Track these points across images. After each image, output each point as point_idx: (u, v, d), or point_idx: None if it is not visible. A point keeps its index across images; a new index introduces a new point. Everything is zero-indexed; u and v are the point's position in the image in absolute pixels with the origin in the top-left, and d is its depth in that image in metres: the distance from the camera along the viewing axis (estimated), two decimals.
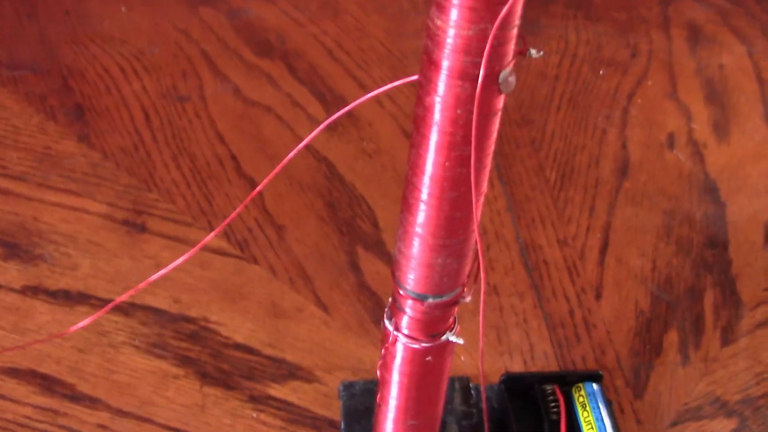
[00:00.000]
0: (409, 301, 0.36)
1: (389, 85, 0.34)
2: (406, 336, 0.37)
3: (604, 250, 0.63)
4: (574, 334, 0.57)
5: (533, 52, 0.31)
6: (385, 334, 0.38)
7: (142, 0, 0.85)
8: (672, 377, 0.55)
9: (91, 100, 0.72)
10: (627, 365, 0.56)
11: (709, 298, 0.60)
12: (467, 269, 0.35)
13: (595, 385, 0.50)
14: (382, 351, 0.39)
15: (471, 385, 0.52)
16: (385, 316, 0.38)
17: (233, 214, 0.38)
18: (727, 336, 0.58)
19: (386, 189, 0.66)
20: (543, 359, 0.56)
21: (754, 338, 0.58)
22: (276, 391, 0.52)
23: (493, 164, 0.73)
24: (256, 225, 0.63)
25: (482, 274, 0.34)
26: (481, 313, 0.35)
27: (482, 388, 0.42)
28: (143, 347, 0.54)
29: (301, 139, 0.71)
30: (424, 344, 0.37)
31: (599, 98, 0.79)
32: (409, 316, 0.36)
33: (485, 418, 0.45)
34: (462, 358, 0.55)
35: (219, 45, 0.80)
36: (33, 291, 0.57)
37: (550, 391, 0.50)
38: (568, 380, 0.50)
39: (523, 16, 0.29)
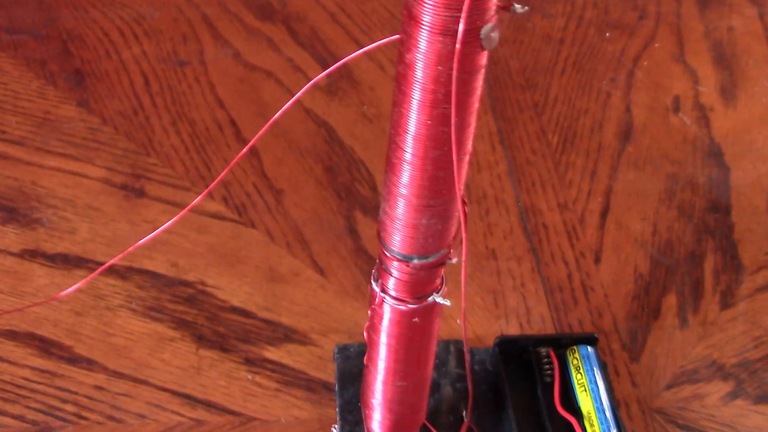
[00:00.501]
0: (395, 263, 0.36)
1: (371, 45, 0.33)
2: (393, 297, 0.37)
3: (604, 214, 0.63)
4: (571, 298, 0.57)
5: (517, 7, 0.30)
6: (372, 295, 0.38)
7: None
8: (669, 340, 0.55)
9: (91, 65, 0.72)
10: (624, 328, 0.55)
11: (709, 263, 0.60)
12: (453, 230, 0.35)
13: (589, 348, 0.50)
14: (369, 312, 0.39)
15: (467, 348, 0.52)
16: (372, 278, 0.38)
17: (224, 172, 0.38)
18: (727, 300, 0.58)
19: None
20: (540, 323, 0.55)
21: (754, 302, 0.58)
22: (271, 353, 0.52)
23: (495, 128, 0.73)
24: (254, 189, 0.63)
25: (464, 234, 0.34)
26: (462, 275, 0.35)
27: (465, 351, 0.42)
28: (140, 310, 0.54)
29: (302, 104, 0.71)
30: (410, 305, 0.37)
31: (605, 61, 0.78)
32: (395, 278, 0.36)
33: (468, 380, 0.45)
34: (458, 322, 0.55)
35: (220, 8, 0.80)
36: (31, 254, 0.57)
37: (544, 354, 0.50)
38: (562, 343, 0.50)
39: None
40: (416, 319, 0.37)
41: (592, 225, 0.62)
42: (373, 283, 0.38)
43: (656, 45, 0.80)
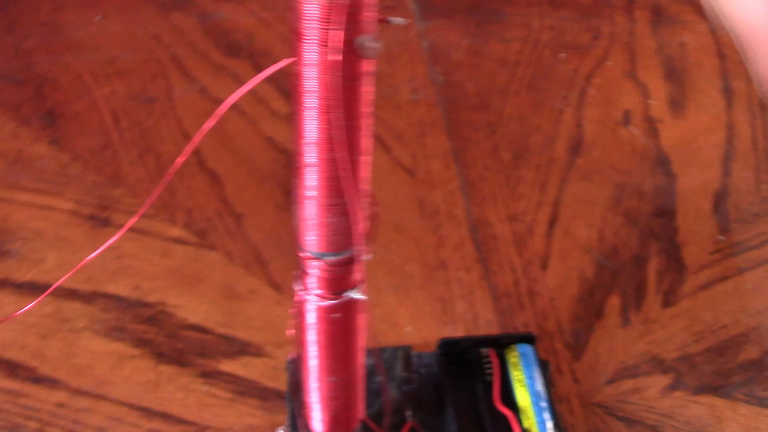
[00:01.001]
0: (311, 261, 0.38)
1: (270, 69, 0.36)
2: (313, 295, 0.39)
3: (552, 223, 0.65)
4: (518, 303, 0.59)
5: (394, 19, 0.33)
6: (295, 295, 0.40)
7: (116, 8, 0.88)
8: (611, 339, 0.57)
9: (63, 106, 0.76)
10: (567, 329, 0.57)
11: (653, 264, 0.62)
12: (362, 227, 0.38)
13: (527, 346, 0.52)
14: (293, 312, 0.41)
15: (412, 353, 0.54)
16: (294, 279, 0.40)
17: (151, 198, 0.40)
18: (669, 299, 0.60)
19: None
20: (486, 327, 0.58)
21: (696, 299, 0.60)
22: (227, 366, 0.55)
23: (449, 147, 0.76)
24: (215, 215, 0.65)
25: (362, 231, 0.36)
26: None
27: (376, 358, 0.44)
28: (102, 331, 0.57)
29: (263, 132, 0.74)
30: (330, 302, 0.39)
31: (558, 81, 0.81)
32: (313, 276, 0.39)
33: (383, 389, 0.47)
34: (408, 329, 0.57)
35: (189, 48, 0.84)
36: (0, 284, 0.60)
37: (485, 354, 0.52)
38: (502, 343, 0.53)
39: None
40: (337, 315, 0.40)
41: (540, 234, 0.64)
42: (295, 284, 0.40)
43: (609, 63, 0.83)
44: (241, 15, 0.88)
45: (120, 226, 0.64)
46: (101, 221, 0.64)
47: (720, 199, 0.68)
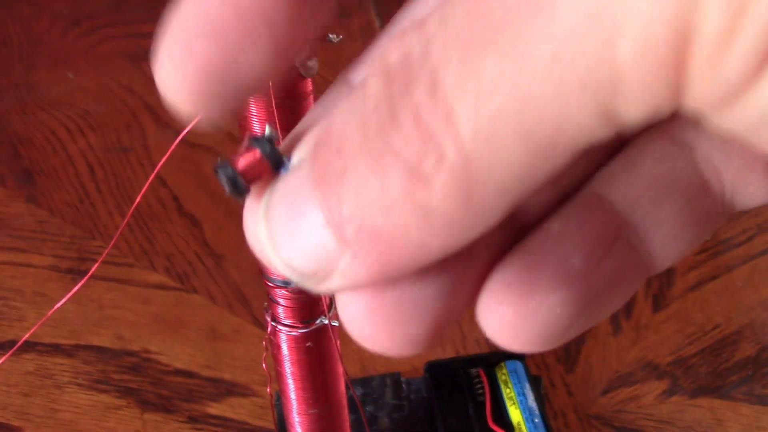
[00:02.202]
0: (277, 290, 0.37)
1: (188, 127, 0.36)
2: (284, 325, 0.39)
3: None
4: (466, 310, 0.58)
5: (332, 37, 0.33)
6: (267, 327, 0.39)
7: (88, 64, 0.88)
8: (604, 348, 0.56)
9: (39, 164, 0.75)
10: None
11: None
12: None
13: (517, 363, 0.51)
14: (266, 344, 0.40)
15: (402, 379, 0.53)
16: (264, 311, 0.40)
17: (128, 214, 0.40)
18: (659, 303, 0.59)
19: None
20: (475, 347, 0.57)
21: (686, 301, 0.59)
22: (214, 409, 0.54)
23: None
24: (195, 258, 0.65)
25: None
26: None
27: (348, 383, 0.43)
28: (86, 384, 0.56)
29: None
30: (301, 330, 0.38)
31: None
32: (282, 305, 0.38)
33: (361, 412, 0.46)
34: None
35: (161, 96, 0.83)
36: None
37: (475, 374, 0.51)
38: (491, 361, 0.51)
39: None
40: (310, 344, 0.39)
41: None
42: (266, 316, 0.39)
43: None
44: None
45: (99, 278, 0.63)
46: (81, 274, 0.64)
47: None
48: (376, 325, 0.17)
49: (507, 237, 0.18)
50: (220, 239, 0.66)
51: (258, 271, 0.38)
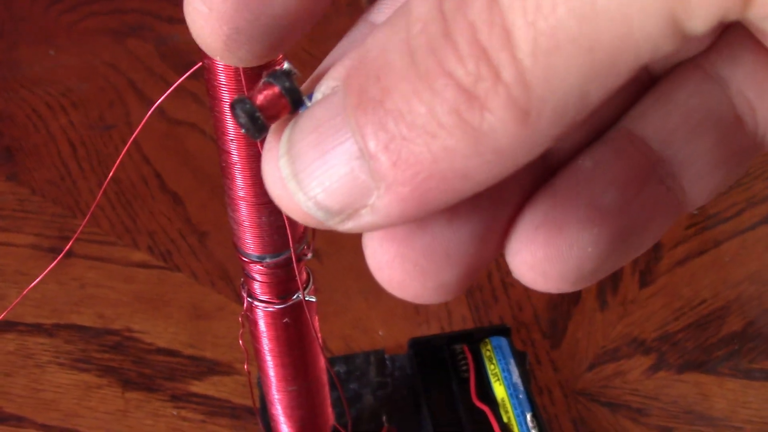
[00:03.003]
0: (252, 265, 0.37)
1: (182, 78, 0.35)
2: (260, 301, 0.38)
3: None
4: (492, 296, 0.58)
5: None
6: (244, 303, 0.39)
7: (71, 41, 0.87)
8: (590, 324, 0.55)
9: (20, 141, 0.74)
10: (544, 318, 0.56)
11: None
12: (300, 226, 0.36)
13: (501, 339, 0.50)
14: (242, 321, 0.40)
15: (386, 357, 0.53)
16: (241, 287, 0.39)
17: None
18: (646, 278, 0.58)
19: None
20: (461, 323, 0.56)
21: (673, 276, 0.58)
22: (196, 387, 0.53)
23: None
24: (179, 235, 0.64)
25: (299, 228, 0.35)
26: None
27: (326, 360, 0.43)
28: (67, 363, 0.55)
29: None
30: (277, 306, 0.38)
31: None
32: (258, 281, 0.37)
33: (341, 394, 0.45)
34: (380, 333, 0.56)
35: (146, 73, 0.82)
36: None
37: (459, 350, 0.51)
38: (475, 338, 0.51)
39: None
40: (287, 320, 0.38)
41: None
42: (243, 292, 0.39)
43: None
44: None
45: (81, 256, 0.63)
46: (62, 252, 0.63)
47: None
48: (407, 272, 0.16)
49: (536, 176, 0.17)
50: (203, 217, 0.66)
51: (234, 246, 0.37)
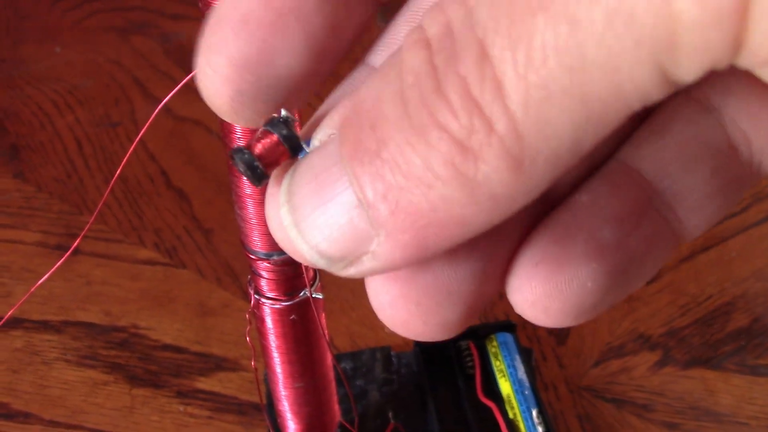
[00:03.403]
0: (259, 263, 0.37)
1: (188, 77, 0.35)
2: (267, 298, 0.38)
3: None
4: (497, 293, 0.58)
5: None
6: (251, 300, 0.39)
7: (76, 38, 0.87)
8: (595, 320, 0.55)
9: (26, 139, 0.74)
10: None
11: None
12: None
13: (507, 335, 0.50)
14: (249, 318, 0.40)
15: (392, 353, 0.53)
16: (248, 285, 0.39)
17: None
18: None
19: None
20: None
21: (678, 272, 0.58)
22: (203, 384, 0.53)
23: None
24: (184, 232, 0.64)
25: None
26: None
27: (333, 356, 0.43)
28: (74, 360, 0.55)
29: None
30: (284, 303, 0.38)
31: None
32: (265, 278, 0.37)
33: (348, 390, 0.45)
34: (386, 330, 0.56)
35: (150, 70, 0.83)
36: None
37: (464, 347, 0.51)
38: (481, 334, 0.51)
39: None
40: (294, 317, 0.38)
41: None
42: (250, 290, 0.39)
43: None
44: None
45: (88, 254, 0.63)
46: (68, 250, 0.63)
47: None
48: (410, 312, 0.17)
49: (534, 213, 0.18)
50: (208, 214, 0.66)
51: (241, 243, 0.38)
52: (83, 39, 0.87)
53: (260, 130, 0.17)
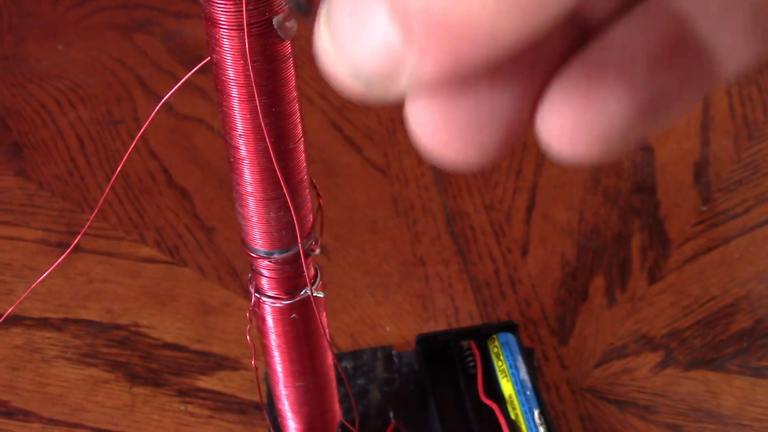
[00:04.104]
0: (260, 261, 0.37)
1: (194, 69, 0.35)
2: (268, 296, 0.38)
3: (530, 209, 0.64)
4: (499, 293, 0.57)
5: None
6: (251, 299, 0.39)
7: (78, 36, 0.87)
8: (598, 320, 0.55)
9: (28, 136, 0.74)
10: (552, 315, 0.56)
11: (636, 242, 0.60)
12: (308, 221, 0.36)
13: (509, 335, 0.50)
14: (249, 317, 0.40)
15: (394, 353, 0.53)
16: (248, 283, 0.39)
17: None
18: (654, 275, 0.58)
19: (316, 181, 0.67)
20: (468, 320, 0.56)
21: (682, 273, 0.58)
22: (203, 382, 0.53)
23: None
24: (186, 230, 0.64)
25: (307, 224, 0.35)
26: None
27: (334, 355, 0.43)
28: (75, 358, 0.55)
29: None
30: (285, 302, 0.38)
31: None
32: (266, 276, 0.37)
33: (348, 389, 0.45)
34: (387, 329, 0.56)
35: (153, 68, 0.82)
36: None
37: (466, 347, 0.51)
38: (482, 334, 0.51)
39: None
40: (294, 315, 0.38)
41: (519, 221, 0.63)
42: (250, 288, 0.39)
43: None
44: (203, 31, 0.87)
45: (89, 251, 0.63)
46: (69, 247, 0.63)
47: (700, 170, 0.66)
48: (451, 131, 0.17)
49: (569, 45, 0.18)
50: (210, 212, 0.66)
51: (242, 242, 0.37)
52: (86, 37, 0.87)
53: None
